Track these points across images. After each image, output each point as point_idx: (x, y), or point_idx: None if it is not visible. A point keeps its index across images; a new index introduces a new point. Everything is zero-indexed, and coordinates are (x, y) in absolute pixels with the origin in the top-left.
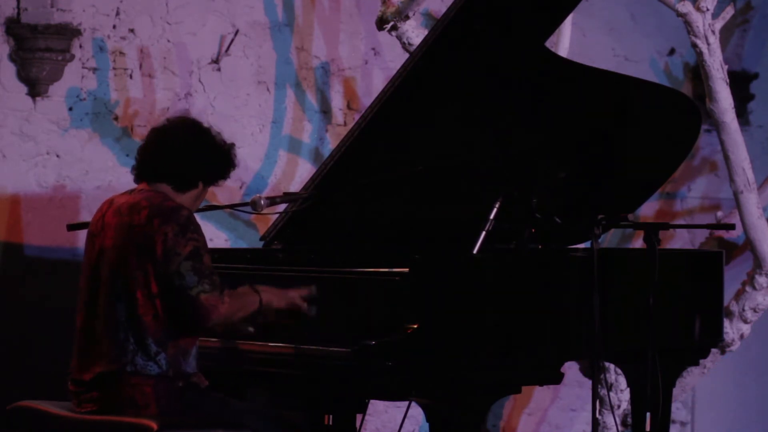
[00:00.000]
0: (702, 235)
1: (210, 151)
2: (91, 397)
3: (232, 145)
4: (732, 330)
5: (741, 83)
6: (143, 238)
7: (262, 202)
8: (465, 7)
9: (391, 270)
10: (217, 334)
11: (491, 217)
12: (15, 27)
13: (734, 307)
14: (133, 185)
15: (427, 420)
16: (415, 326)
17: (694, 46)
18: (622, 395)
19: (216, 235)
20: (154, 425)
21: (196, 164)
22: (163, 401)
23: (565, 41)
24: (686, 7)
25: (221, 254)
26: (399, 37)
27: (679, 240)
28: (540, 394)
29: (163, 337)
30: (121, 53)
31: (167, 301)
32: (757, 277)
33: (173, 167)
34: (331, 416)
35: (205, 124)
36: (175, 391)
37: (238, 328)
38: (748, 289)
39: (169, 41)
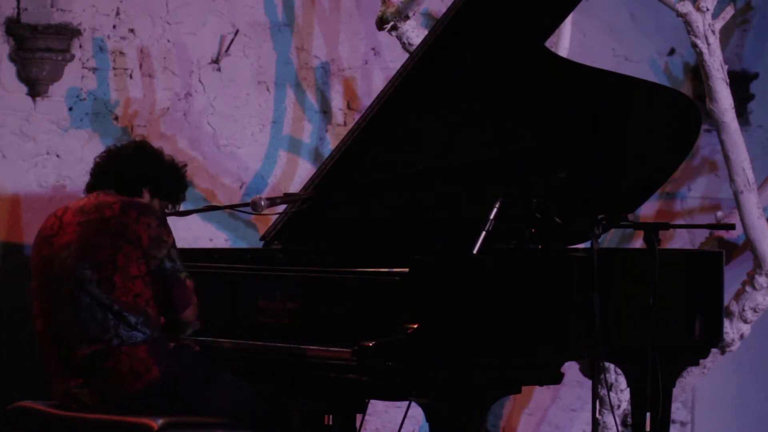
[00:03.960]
0: (702, 235)
1: (155, 163)
2: (86, 381)
3: (183, 164)
4: (732, 330)
5: (741, 83)
6: (120, 226)
7: (262, 202)
8: (465, 7)
9: (391, 270)
10: (213, 333)
11: (491, 217)
12: (15, 27)
13: (734, 307)
14: None
15: (427, 420)
16: (415, 326)
17: (694, 46)
18: (622, 395)
19: (216, 235)
20: (154, 425)
21: (138, 169)
22: (162, 362)
23: (565, 41)
24: (686, 7)
25: (221, 254)
26: (399, 37)
27: (679, 240)
28: (540, 394)
29: (143, 312)
30: (121, 53)
31: (152, 282)
32: (757, 277)
33: (116, 172)
34: (331, 416)
35: (157, 147)
36: (170, 352)
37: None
38: (748, 289)
39: (169, 41)
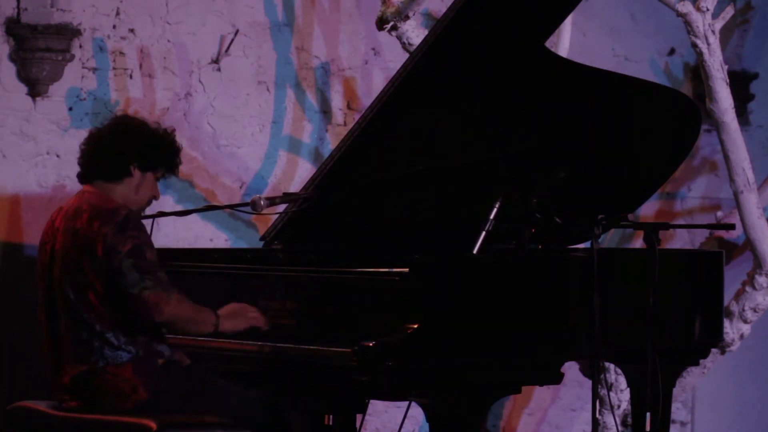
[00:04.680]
0: (702, 235)
1: (136, 136)
2: (76, 399)
3: (167, 130)
4: (732, 330)
5: (741, 83)
6: (85, 240)
7: (262, 202)
8: (465, 7)
9: (391, 270)
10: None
11: (491, 217)
12: (15, 27)
13: (734, 307)
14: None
15: (427, 420)
16: (415, 326)
17: (694, 46)
18: (622, 395)
19: (216, 235)
20: (153, 425)
21: (120, 149)
22: (150, 382)
23: (565, 41)
24: (686, 7)
25: (221, 254)
26: (399, 37)
27: (679, 240)
28: (540, 394)
29: (123, 331)
30: (121, 53)
31: (115, 300)
32: (757, 277)
33: (100, 158)
34: (331, 416)
35: (138, 117)
36: (157, 370)
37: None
38: (748, 289)
39: (169, 41)
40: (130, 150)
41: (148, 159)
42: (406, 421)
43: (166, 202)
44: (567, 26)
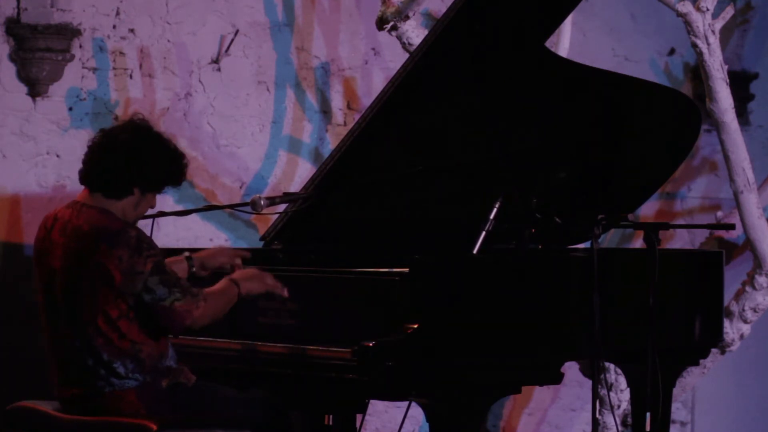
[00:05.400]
0: (702, 235)
1: (148, 160)
2: (77, 408)
3: (179, 155)
4: (732, 330)
5: (741, 83)
6: (93, 265)
7: (262, 202)
8: (465, 7)
9: (391, 270)
10: (213, 334)
11: (491, 217)
12: (15, 27)
13: (734, 307)
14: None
15: (427, 420)
16: (415, 326)
17: (694, 46)
18: (622, 395)
19: (216, 235)
20: (154, 425)
21: (128, 173)
22: (152, 405)
23: (565, 41)
24: (686, 7)
25: None
26: (399, 37)
27: (679, 240)
28: (540, 394)
29: (134, 357)
30: (121, 53)
31: (136, 318)
32: (757, 277)
33: (105, 174)
34: (331, 416)
35: (155, 131)
36: (162, 393)
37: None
38: (748, 289)
39: (169, 41)
40: (138, 174)
41: (154, 184)
42: (406, 421)
43: (166, 202)
44: (567, 26)
